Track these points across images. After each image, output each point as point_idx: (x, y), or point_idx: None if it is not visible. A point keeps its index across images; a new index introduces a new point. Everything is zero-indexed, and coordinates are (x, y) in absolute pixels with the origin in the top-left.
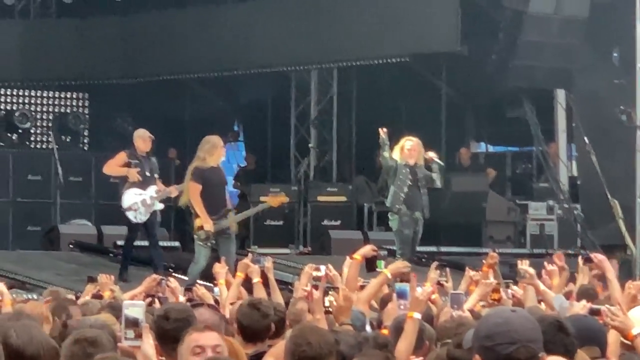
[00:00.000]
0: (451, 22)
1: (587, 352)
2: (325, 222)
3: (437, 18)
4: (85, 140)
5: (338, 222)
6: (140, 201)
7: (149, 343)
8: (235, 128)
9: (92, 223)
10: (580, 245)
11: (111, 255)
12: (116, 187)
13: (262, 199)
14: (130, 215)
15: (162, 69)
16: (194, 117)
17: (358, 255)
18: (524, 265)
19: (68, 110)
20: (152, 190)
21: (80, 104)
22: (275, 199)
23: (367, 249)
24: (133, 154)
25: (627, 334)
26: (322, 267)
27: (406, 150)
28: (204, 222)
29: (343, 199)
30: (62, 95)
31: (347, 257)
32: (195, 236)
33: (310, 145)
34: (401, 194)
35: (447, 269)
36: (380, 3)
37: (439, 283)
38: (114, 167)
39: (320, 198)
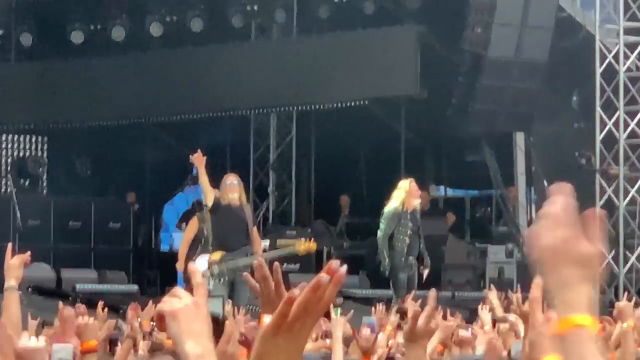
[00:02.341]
0: (410, 65)
1: None
2: (285, 267)
3: (396, 62)
4: (44, 184)
5: (297, 266)
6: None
7: None
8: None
9: (51, 266)
10: None
11: (69, 298)
12: (74, 230)
13: (290, 241)
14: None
15: (121, 113)
16: (153, 161)
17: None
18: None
19: (27, 154)
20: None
21: (39, 148)
22: (303, 245)
23: None
24: (202, 216)
25: None
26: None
27: (415, 192)
28: (180, 263)
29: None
30: (21, 139)
31: None
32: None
33: (269, 189)
34: (403, 245)
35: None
36: (340, 47)
37: (399, 326)
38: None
39: (280, 242)
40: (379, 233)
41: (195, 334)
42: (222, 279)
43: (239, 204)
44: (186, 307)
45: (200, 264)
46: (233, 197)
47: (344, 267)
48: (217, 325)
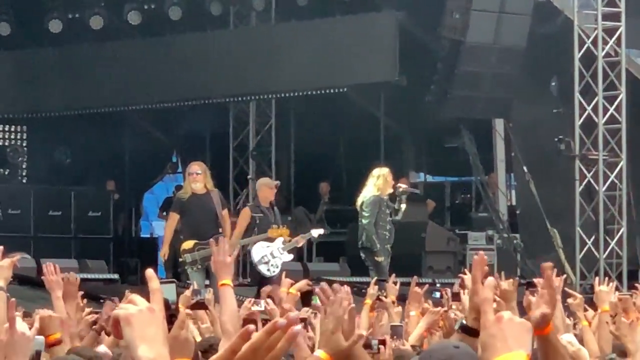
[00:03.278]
0: (389, 52)
1: None
2: None
3: (374, 48)
4: (24, 173)
5: None
6: (269, 253)
7: None
8: (174, 159)
9: (31, 256)
10: (519, 274)
11: None
12: (54, 219)
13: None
14: (262, 269)
15: (100, 102)
16: (133, 149)
17: (294, 289)
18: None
19: (6, 144)
20: (279, 241)
21: (18, 137)
22: (275, 231)
23: (302, 284)
24: (257, 206)
25: None
26: (262, 302)
27: (391, 181)
28: (164, 249)
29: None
30: (0, 128)
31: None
32: (180, 261)
33: (249, 177)
34: (385, 232)
35: (386, 284)
36: (318, 33)
37: (378, 298)
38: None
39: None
40: (364, 220)
41: (148, 339)
42: (194, 267)
43: (205, 191)
44: (140, 313)
45: (257, 252)
46: (196, 187)
47: (300, 327)
48: (170, 310)
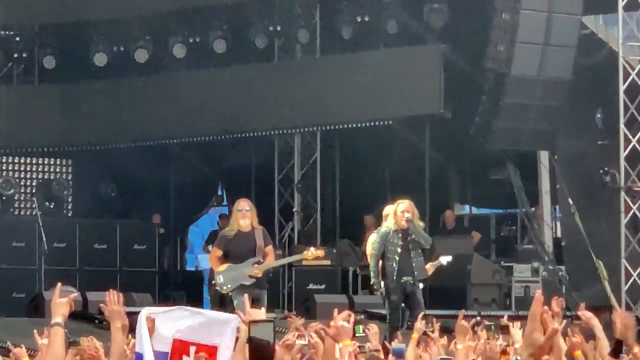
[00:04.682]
0: (434, 84)
1: None
2: (310, 286)
3: (419, 81)
4: (69, 207)
5: (323, 286)
6: None
7: None
8: (219, 192)
9: (76, 289)
10: (565, 306)
11: (96, 321)
12: (100, 252)
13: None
14: None
15: (145, 134)
16: (178, 182)
17: (334, 322)
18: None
19: (52, 177)
20: None
21: (63, 170)
22: (310, 253)
23: (343, 315)
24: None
25: None
26: (306, 336)
27: (399, 213)
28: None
29: (327, 262)
30: (46, 162)
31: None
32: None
33: (294, 209)
34: (392, 263)
35: (434, 319)
36: (363, 66)
37: (425, 333)
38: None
39: (305, 262)
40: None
41: None
42: (224, 287)
43: (251, 229)
44: None
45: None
46: (244, 223)
47: None
48: (267, 351)
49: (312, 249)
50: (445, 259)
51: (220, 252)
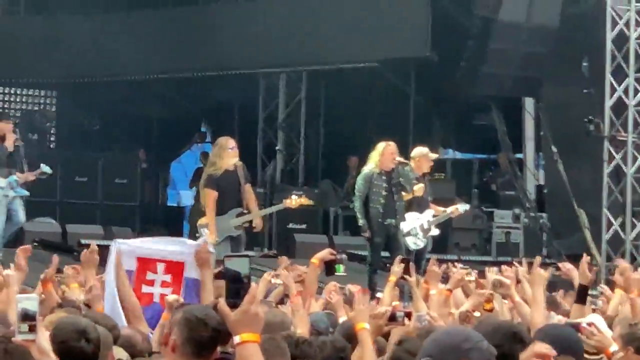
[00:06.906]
0: (421, 27)
1: None
2: (291, 226)
3: (407, 23)
4: (52, 138)
5: (303, 226)
6: (418, 226)
7: (43, 336)
8: (203, 129)
9: (56, 221)
10: (545, 254)
11: (75, 253)
12: (82, 186)
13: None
14: (409, 241)
15: (130, 70)
16: (161, 117)
17: (316, 259)
18: (497, 275)
19: (35, 108)
20: (428, 214)
21: (47, 102)
22: (293, 202)
23: (324, 253)
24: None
25: (605, 351)
26: (281, 274)
27: (389, 154)
28: (210, 233)
29: (310, 203)
30: (30, 93)
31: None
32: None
33: (277, 148)
34: (377, 207)
35: (411, 264)
36: (350, 8)
37: (402, 277)
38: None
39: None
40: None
41: None
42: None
43: (234, 167)
44: None
45: (406, 224)
46: (234, 161)
47: None
48: (242, 284)
49: (294, 196)
50: (463, 207)
51: (215, 193)
